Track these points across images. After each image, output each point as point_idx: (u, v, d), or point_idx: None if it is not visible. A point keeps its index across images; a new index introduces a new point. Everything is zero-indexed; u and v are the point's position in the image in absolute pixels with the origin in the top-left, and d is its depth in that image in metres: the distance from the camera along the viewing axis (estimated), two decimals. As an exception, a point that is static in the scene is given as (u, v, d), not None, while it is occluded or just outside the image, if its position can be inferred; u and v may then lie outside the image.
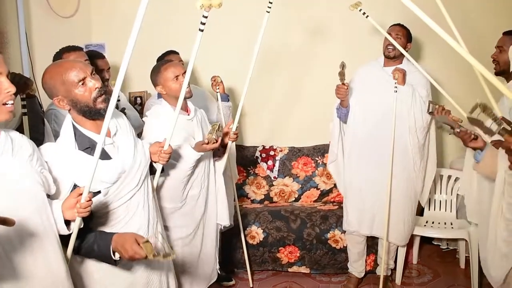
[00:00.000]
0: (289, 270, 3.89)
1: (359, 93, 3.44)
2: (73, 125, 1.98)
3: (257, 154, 4.45)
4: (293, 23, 4.34)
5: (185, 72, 2.60)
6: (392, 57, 3.42)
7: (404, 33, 3.39)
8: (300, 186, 4.36)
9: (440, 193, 4.08)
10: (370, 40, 4.03)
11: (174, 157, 2.58)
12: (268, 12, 2.81)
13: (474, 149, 2.44)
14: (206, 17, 1.96)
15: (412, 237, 3.91)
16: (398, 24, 3.43)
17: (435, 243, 4.33)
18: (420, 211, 4.20)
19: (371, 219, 3.48)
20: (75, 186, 1.91)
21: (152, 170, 2.34)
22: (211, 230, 3.03)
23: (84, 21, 4.53)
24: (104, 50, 4.46)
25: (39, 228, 1.66)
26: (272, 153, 4.45)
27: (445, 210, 4.05)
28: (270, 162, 4.42)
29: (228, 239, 3.72)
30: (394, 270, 3.75)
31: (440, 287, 3.68)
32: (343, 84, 3.20)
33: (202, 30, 2.02)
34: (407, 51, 3.32)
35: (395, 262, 3.73)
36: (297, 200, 4.37)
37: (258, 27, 2.71)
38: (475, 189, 2.78)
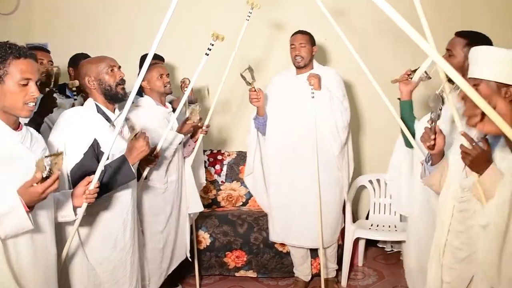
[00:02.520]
0: (236, 274, 3.86)
1: (276, 103, 3.47)
2: (95, 103, 2.49)
3: (205, 158, 4.40)
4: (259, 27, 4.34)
5: (168, 74, 3.23)
6: (302, 67, 3.45)
7: (307, 39, 3.42)
8: (248, 190, 4.33)
9: (384, 197, 4.15)
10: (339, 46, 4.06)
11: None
12: (248, 20, 2.95)
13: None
14: (212, 45, 2.53)
15: (357, 240, 3.97)
16: (299, 32, 3.46)
17: (380, 246, 4.41)
18: (365, 215, 4.29)
19: (299, 229, 3.47)
20: (94, 143, 2.34)
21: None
22: (184, 218, 3.35)
23: (25, 19, 4.36)
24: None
25: (42, 214, 1.96)
26: (219, 157, 4.42)
27: (389, 214, 4.13)
28: (217, 167, 4.39)
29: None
30: (340, 272, 3.78)
31: (384, 289, 3.74)
32: (253, 89, 3.26)
33: (207, 55, 2.56)
34: (313, 55, 3.44)
35: (340, 264, 3.76)
36: (244, 204, 4.35)
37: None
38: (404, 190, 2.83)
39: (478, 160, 1.83)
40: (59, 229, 2.22)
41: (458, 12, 4.18)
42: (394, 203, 3.33)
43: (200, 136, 3.31)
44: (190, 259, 3.50)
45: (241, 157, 4.40)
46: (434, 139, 2.05)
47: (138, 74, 2.13)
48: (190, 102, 3.58)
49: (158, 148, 2.90)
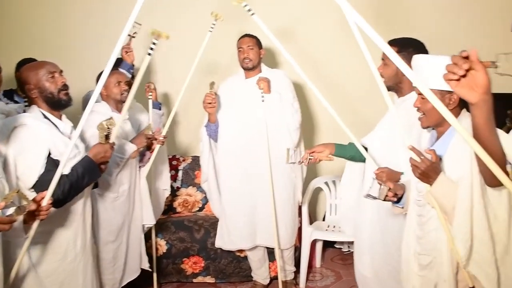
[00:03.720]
0: (194, 280, 3.82)
1: (227, 108, 3.47)
2: (39, 110, 2.38)
3: (160, 164, 4.33)
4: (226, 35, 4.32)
5: (127, 82, 3.15)
6: (251, 68, 3.45)
7: (254, 42, 3.44)
8: (204, 195, 4.28)
9: (340, 198, 4.18)
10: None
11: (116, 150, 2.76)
12: (211, 31, 3.03)
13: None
14: (154, 43, 2.36)
15: (315, 241, 3.99)
16: (246, 35, 3.47)
17: (337, 247, 4.45)
18: (322, 217, 4.31)
19: (252, 230, 3.48)
20: (49, 156, 2.25)
21: None
22: (137, 229, 3.26)
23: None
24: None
25: None
26: (174, 163, 4.35)
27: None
28: (173, 172, 4.31)
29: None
30: (298, 274, 3.78)
31: (342, 289, 3.77)
32: (212, 93, 3.28)
33: (150, 54, 2.37)
34: (261, 58, 3.46)
35: (298, 266, 3.77)
36: (201, 209, 4.29)
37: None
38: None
39: (427, 172, 1.86)
40: (6, 246, 2.12)
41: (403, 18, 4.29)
42: (341, 223, 3.36)
43: (157, 146, 3.24)
44: (150, 269, 3.44)
45: (196, 162, 4.34)
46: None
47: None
48: (155, 106, 3.53)
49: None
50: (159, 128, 3.30)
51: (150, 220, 3.33)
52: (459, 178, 1.80)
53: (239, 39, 3.49)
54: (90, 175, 2.38)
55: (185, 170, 4.35)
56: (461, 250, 1.78)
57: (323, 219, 4.27)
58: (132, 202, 3.18)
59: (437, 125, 1.96)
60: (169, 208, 4.26)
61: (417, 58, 1.90)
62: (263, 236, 3.48)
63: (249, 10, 2.86)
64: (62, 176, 2.17)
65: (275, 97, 3.35)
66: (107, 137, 2.38)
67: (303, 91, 4.26)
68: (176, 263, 3.76)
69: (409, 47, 2.34)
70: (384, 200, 2.16)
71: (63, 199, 2.26)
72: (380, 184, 2.16)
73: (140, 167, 3.28)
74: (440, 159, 1.89)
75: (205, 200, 4.26)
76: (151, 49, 2.36)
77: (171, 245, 3.75)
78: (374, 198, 2.21)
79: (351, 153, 2.66)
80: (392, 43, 2.36)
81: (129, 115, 3.17)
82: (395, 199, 2.17)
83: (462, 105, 1.89)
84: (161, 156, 3.46)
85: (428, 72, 1.80)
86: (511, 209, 1.72)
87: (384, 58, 2.46)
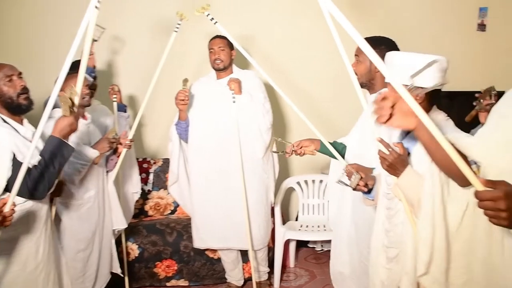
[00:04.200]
0: (167, 284, 3.78)
1: (198, 109, 3.45)
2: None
3: (131, 167, 4.27)
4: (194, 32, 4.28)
5: (88, 85, 2.91)
6: (222, 69, 3.45)
7: (225, 43, 3.42)
8: (176, 198, 4.25)
9: (313, 198, 4.21)
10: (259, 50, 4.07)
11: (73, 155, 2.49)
12: (176, 31, 2.97)
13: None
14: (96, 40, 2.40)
15: (288, 241, 4.00)
16: (217, 36, 3.46)
17: (310, 246, 4.46)
18: (295, 217, 4.32)
19: (225, 232, 3.46)
20: (15, 159, 2.14)
21: None
22: (108, 235, 3.13)
23: None
24: None
25: None
26: (145, 166, 4.30)
27: (318, 214, 4.20)
28: (144, 175, 4.26)
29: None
30: (272, 275, 3.78)
31: (316, 288, 3.78)
32: (185, 89, 3.25)
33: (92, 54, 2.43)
34: (232, 59, 3.45)
35: (272, 267, 3.76)
36: (173, 212, 4.25)
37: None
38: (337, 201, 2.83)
39: (395, 164, 1.90)
40: None
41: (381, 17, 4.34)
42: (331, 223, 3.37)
43: (123, 150, 3.11)
44: (122, 275, 3.37)
45: (168, 164, 4.27)
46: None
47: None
48: (120, 109, 3.46)
49: None
50: (125, 131, 3.19)
51: (121, 224, 3.22)
52: (425, 173, 1.83)
53: (210, 40, 3.48)
54: (61, 154, 2.24)
55: (156, 173, 4.30)
56: (422, 253, 1.80)
57: (296, 219, 4.28)
58: (102, 208, 3.06)
59: None
60: (141, 212, 4.21)
61: (388, 54, 1.95)
62: (236, 239, 3.46)
63: (212, 19, 2.89)
64: (28, 170, 2.08)
65: (246, 98, 3.34)
66: (71, 109, 2.12)
67: (274, 91, 4.25)
68: (148, 267, 3.71)
69: (381, 44, 2.38)
70: (355, 189, 2.21)
71: (38, 191, 2.19)
72: (353, 173, 2.20)
73: (107, 171, 3.16)
74: (408, 153, 1.92)
75: (177, 203, 4.22)
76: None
77: (143, 249, 3.70)
78: (346, 185, 2.24)
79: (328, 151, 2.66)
80: (366, 40, 2.38)
81: (93, 119, 3.05)
82: (366, 189, 2.21)
83: (433, 101, 1.93)
84: (129, 160, 3.40)
85: (397, 68, 1.86)
86: (465, 211, 1.72)
87: (358, 54, 2.50)
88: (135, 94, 4.33)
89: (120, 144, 3.07)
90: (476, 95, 2.76)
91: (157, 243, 3.71)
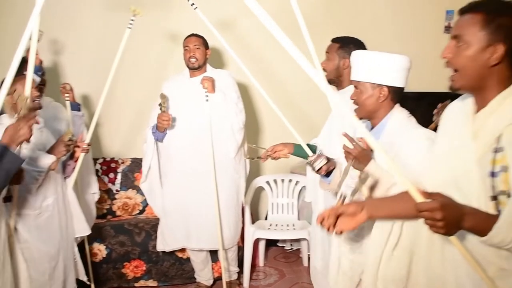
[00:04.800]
0: (136, 285, 3.73)
1: (171, 108, 3.41)
2: None
3: (97, 167, 4.20)
4: (153, 30, 4.23)
5: (37, 87, 2.66)
6: (197, 68, 3.43)
7: (201, 42, 3.42)
8: (144, 198, 4.17)
9: (282, 197, 4.22)
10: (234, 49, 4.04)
11: (28, 162, 2.43)
12: (130, 28, 2.88)
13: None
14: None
15: (257, 240, 4.00)
16: (193, 34, 3.45)
17: (280, 245, 4.48)
18: (264, 216, 4.33)
19: (197, 232, 3.45)
20: None
21: None
22: (71, 242, 2.98)
23: None
24: None
25: None
26: (113, 165, 4.24)
27: (287, 213, 4.21)
28: (111, 175, 4.21)
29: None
30: (241, 274, 3.78)
31: (286, 286, 3.80)
32: (166, 114, 3.23)
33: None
34: (207, 58, 3.44)
35: (242, 266, 3.76)
36: (141, 212, 4.20)
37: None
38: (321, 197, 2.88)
39: (358, 158, 1.96)
40: None
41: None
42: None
43: (81, 155, 2.94)
44: (88, 282, 3.26)
45: (136, 164, 4.25)
46: None
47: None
48: (74, 108, 3.34)
49: None
50: (82, 135, 3.06)
51: (83, 231, 3.08)
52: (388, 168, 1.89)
53: (186, 38, 3.45)
54: (8, 164, 2.07)
55: (124, 172, 4.24)
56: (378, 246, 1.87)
57: (266, 218, 4.29)
58: (63, 216, 2.88)
59: (370, 117, 2.09)
60: (108, 212, 4.15)
61: (354, 53, 2.09)
62: (206, 240, 3.45)
63: (192, 4, 2.86)
64: None
65: (219, 97, 3.33)
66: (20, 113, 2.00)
67: (248, 91, 4.26)
68: (116, 267, 3.66)
69: (349, 43, 2.58)
70: (317, 172, 2.34)
71: None
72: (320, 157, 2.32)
73: (65, 177, 2.97)
74: (371, 150, 1.98)
75: (146, 203, 4.18)
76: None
77: (111, 249, 3.64)
78: (312, 167, 2.36)
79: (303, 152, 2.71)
80: (335, 40, 2.65)
81: (46, 117, 2.87)
82: (325, 173, 2.34)
83: (396, 99, 2.03)
84: (86, 162, 3.24)
85: (361, 67, 2.01)
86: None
87: (329, 51, 2.66)
88: (89, 93, 4.21)
89: (78, 147, 2.91)
90: (434, 111, 2.87)
91: (125, 244, 3.66)
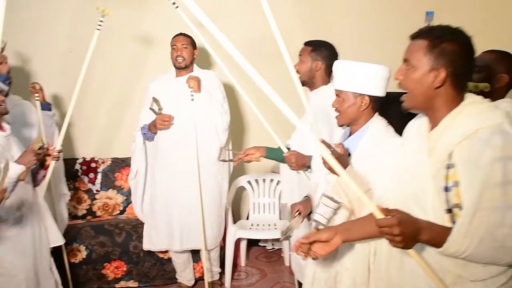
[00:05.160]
0: (116, 286, 3.70)
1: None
2: None
3: (77, 167, 4.16)
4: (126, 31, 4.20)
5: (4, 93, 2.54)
6: (183, 67, 3.42)
7: (189, 42, 3.41)
8: (125, 198, 4.17)
9: (264, 197, 4.23)
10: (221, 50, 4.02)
11: None
12: (99, 29, 2.85)
13: None
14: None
15: (239, 240, 4.00)
16: (181, 34, 3.43)
17: (261, 245, 4.48)
18: (246, 215, 4.33)
19: (180, 232, 3.44)
20: None
21: None
22: (46, 254, 2.81)
23: None
24: None
25: None
26: (93, 165, 4.20)
27: (269, 213, 4.21)
28: (91, 175, 4.17)
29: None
30: (223, 274, 3.77)
31: (267, 286, 3.80)
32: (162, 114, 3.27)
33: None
34: (194, 58, 3.44)
35: (223, 266, 3.75)
36: (122, 212, 4.17)
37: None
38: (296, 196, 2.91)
39: None
40: None
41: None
42: None
43: (52, 163, 2.82)
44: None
45: (117, 163, 4.22)
46: None
47: None
48: (44, 108, 3.27)
49: None
50: (52, 142, 2.96)
51: (57, 241, 2.94)
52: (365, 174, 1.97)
53: (174, 37, 3.43)
54: None
55: (105, 172, 4.20)
56: None
57: (247, 218, 4.28)
58: (36, 226, 2.74)
59: (350, 123, 2.13)
60: (88, 212, 4.11)
61: (336, 63, 2.14)
62: (189, 240, 3.44)
63: (173, 3, 2.84)
64: None
65: (205, 97, 3.32)
66: None
67: (234, 92, 4.25)
68: (96, 268, 3.62)
69: (321, 47, 2.78)
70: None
71: None
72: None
73: (35, 186, 2.80)
74: (349, 154, 2.04)
75: (126, 203, 4.16)
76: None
77: (91, 250, 3.61)
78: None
79: (281, 156, 2.76)
80: (308, 43, 2.82)
81: (13, 118, 2.76)
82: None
83: (376, 108, 2.10)
84: (57, 166, 3.15)
85: (345, 76, 2.07)
86: None
87: (302, 54, 2.81)
88: (60, 93, 4.14)
89: (49, 155, 2.74)
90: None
91: (106, 244, 3.63)
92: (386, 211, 1.45)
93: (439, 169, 1.50)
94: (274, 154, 2.83)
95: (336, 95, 2.13)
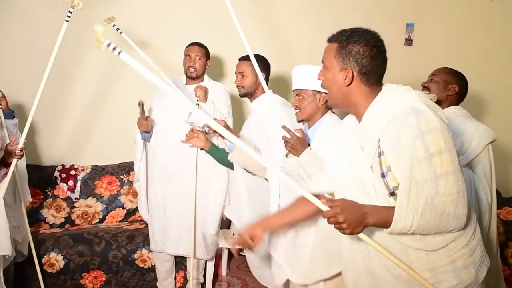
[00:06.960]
0: (95, 296, 3.62)
1: (160, 112, 3.40)
2: None
3: (56, 174, 4.09)
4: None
5: None
6: (194, 78, 3.42)
7: (203, 53, 3.41)
8: (105, 206, 4.12)
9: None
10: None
11: None
12: (67, 21, 2.76)
13: None
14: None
15: (220, 249, 3.96)
16: (196, 43, 3.43)
17: (243, 254, 4.43)
18: (227, 224, 4.29)
19: (176, 237, 3.40)
20: None
21: None
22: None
23: None
24: None
25: None
26: (73, 172, 4.13)
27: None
28: (71, 182, 4.10)
29: (22, 270, 3.37)
30: (204, 284, 3.73)
31: (249, 296, 3.77)
32: (145, 117, 3.26)
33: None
34: (206, 68, 3.45)
35: (205, 275, 3.71)
36: (101, 221, 4.10)
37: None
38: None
39: (296, 145, 2.38)
40: None
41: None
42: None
43: (14, 161, 2.84)
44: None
45: (97, 171, 4.16)
46: None
47: None
48: (7, 116, 3.21)
49: None
50: (15, 137, 2.95)
51: (4, 250, 2.84)
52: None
53: (188, 46, 3.42)
54: None
55: (84, 180, 4.14)
56: None
57: (228, 227, 4.25)
58: None
59: (308, 119, 2.52)
60: (67, 221, 4.03)
61: (296, 68, 2.51)
62: (186, 245, 3.40)
63: (117, 29, 2.89)
64: None
65: (209, 107, 3.31)
66: None
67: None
68: (74, 278, 3.55)
69: (258, 59, 2.78)
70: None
71: None
72: None
73: None
74: (308, 144, 2.41)
75: (106, 211, 4.10)
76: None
77: (69, 259, 3.54)
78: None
79: (219, 155, 3.12)
80: (244, 58, 3.03)
81: None
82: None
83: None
84: (19, 170, 3.13)
85: (304, 77, 2.43)
86: None
87: (243, 71, 3.05)
88: (25, 101, 3.98)
89: (10, 153, 2.77)
90: None
91: (84, 254, 3.56)
92: (330, 201, 1.55)
93: (373, 159, 1.61)
94: (216, 152, 3.11)
95: (297, 94, 2.47)
